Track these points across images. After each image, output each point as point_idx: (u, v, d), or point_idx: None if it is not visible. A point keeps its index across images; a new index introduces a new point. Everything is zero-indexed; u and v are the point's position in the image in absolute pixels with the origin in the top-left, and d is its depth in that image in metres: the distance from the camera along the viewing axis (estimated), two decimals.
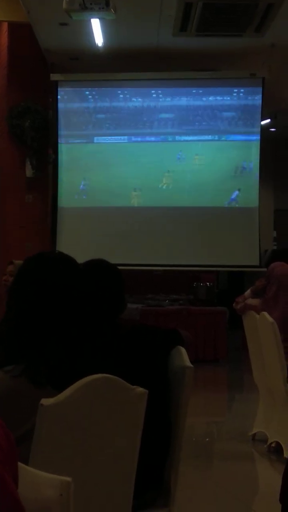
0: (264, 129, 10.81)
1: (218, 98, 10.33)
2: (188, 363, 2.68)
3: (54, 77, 10.27)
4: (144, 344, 2.73)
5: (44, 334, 2.04)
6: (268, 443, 5.36)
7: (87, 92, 10.51)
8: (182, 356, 2.72)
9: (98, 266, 2.92)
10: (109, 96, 10.48)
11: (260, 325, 5.40)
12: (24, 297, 2.10)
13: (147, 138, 10.46)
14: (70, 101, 10.52)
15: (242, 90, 10.30)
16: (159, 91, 10.40)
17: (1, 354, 2.05)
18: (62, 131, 10.45)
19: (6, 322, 2.10)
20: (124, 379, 2.07)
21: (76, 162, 10.53)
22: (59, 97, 10.42)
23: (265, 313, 5.28)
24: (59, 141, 10.42)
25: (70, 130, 10.49)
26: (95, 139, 10.53)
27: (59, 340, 2.04)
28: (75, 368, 2.01)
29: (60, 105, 10.44)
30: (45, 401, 1.85)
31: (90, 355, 2.08)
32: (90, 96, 10.51)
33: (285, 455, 5.04)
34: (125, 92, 10.46)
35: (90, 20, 8.20)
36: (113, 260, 3.00)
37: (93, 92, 10.50)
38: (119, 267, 3.00)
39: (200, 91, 10.34)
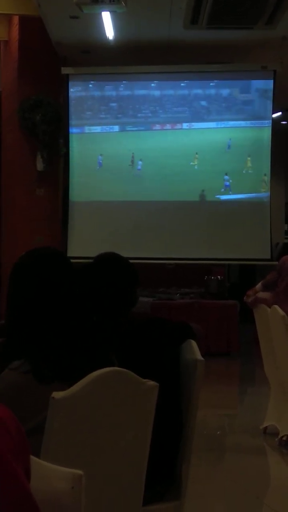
0: (275, 122, 10.77)
1: (229, 89, 10.30)
2: (199, 356, 2.68)
3: (65, 70, 10.25)
4: (155, 337, 2.73)
5: (42, 330, 2.04)
6: (279, 437, 5.36)
7: (98, 85, 10.50)
8: (193, 350, 2.72)
9: (106, 261, 2.89)
10: (120, 88, 10.46)
11: (271, 319, 5.39)
12: (19, 293, 2.11)
13: (157, 128, 10.46)
14: (81, 93, 10.52)
15: (253, 82, 10.26)
16: (171, 83, 10.39)
17: (4, 349, 2.06)
18: (73, 124, 10.44)
19: (6, 317, 2.12)
20: (134, 372, 2.07)
21: (87, 154, 10.52)
22: (70, 90, 10.42)
23: (276, 307, 5.27)
24: (70, 133, 10.42)
25: (81, 123, 10.48)
26: (106, 129, 10.53)
27: (58, 335, 2.04)
28: (75, 363, 2.01)
29: (71, 98, 10.44)
30: (56, 394, 1.86)
31: (89, 351, 2.08)
32: (100, 89, 10.50)
33: None
34: (136, 84, 10.45)
35: (101, 13, 8.19)
36: (124, 254, 2.95)
37: (104, 85, 10.49)
38: (130, 261, 2.97)
39: (212, 83, 10.32)
